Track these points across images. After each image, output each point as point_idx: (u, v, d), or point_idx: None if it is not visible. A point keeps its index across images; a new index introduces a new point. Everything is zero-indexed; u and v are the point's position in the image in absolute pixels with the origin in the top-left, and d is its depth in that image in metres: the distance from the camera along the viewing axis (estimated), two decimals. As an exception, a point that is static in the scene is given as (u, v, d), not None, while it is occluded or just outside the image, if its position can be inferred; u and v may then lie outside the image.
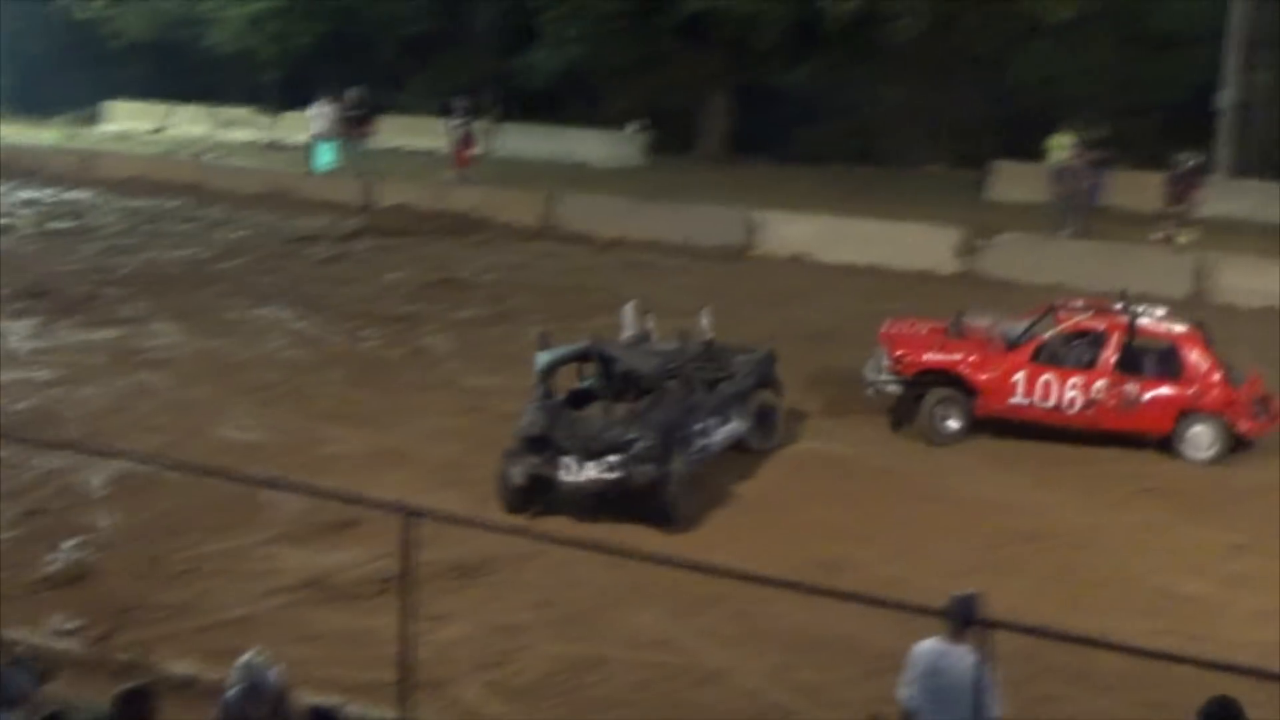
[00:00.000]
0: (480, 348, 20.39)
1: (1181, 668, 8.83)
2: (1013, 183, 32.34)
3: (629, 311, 16.97)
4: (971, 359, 16.94)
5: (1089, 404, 16.57)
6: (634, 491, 14.15)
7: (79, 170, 33.04)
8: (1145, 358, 16.81)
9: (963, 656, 8.21)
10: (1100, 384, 16.55)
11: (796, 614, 11.36)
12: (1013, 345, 17.04)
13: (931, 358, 17.08)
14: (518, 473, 14.31)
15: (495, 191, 30.02)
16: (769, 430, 16.51)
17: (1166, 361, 16.74)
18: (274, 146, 38.72)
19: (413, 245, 26.71)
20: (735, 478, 15.62)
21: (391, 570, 10.80)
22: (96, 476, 14.73)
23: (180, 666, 10.82)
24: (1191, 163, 27.25)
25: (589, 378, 15.63)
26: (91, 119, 41.53)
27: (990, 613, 8.28)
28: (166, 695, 8.93)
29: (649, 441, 14.20)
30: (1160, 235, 26.69)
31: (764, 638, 11.54)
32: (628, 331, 16.81)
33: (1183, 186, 26.89)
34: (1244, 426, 16.46)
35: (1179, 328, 17.03)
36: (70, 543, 13.16)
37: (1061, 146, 29.53)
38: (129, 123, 40.83)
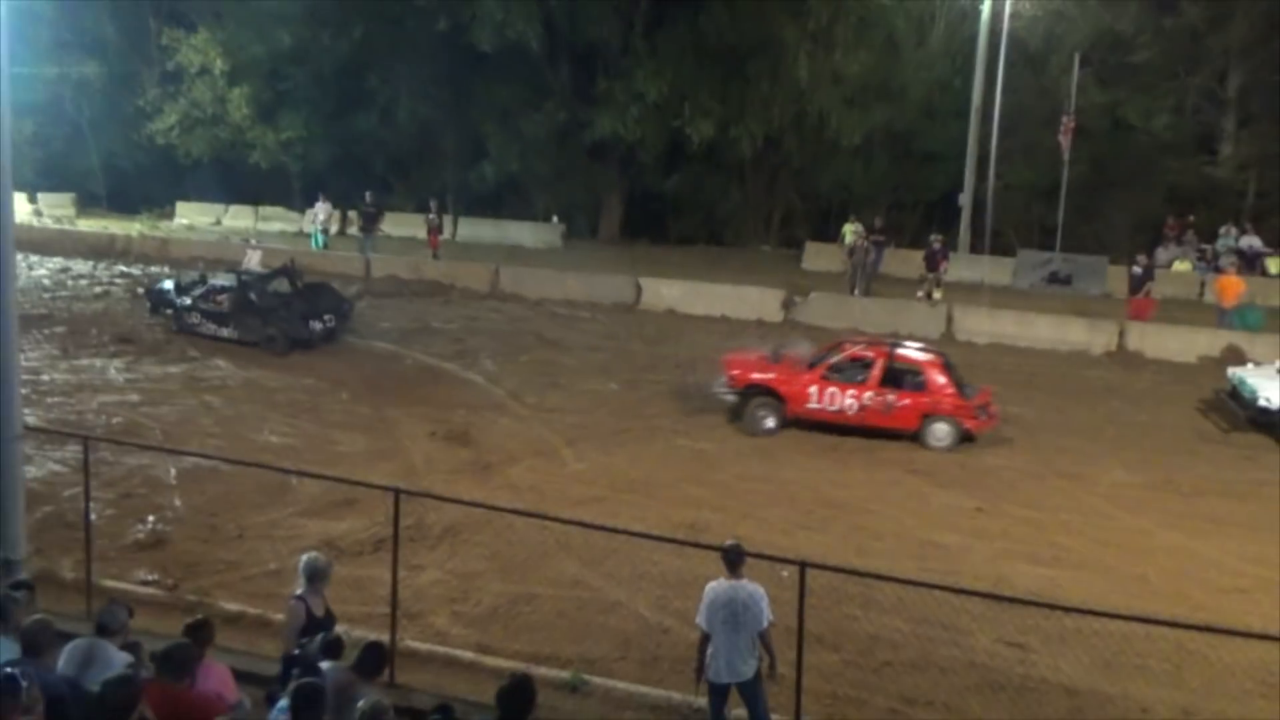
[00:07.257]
0: (444, 376, 20.21)
1: (941, 594, 9.02)
2: (819, 257, 32.54)
3: (254, 257, 23.35)
4: (780, 376, 17.22)
5: (861, 408, 16.76)
6: (340, 331, 21.61)
7: (158, 252, 32.33)
8: (903, 377, 17.03)
9: (742, 586, 8.47)
10: (869, 395, 16.76)
11: (672, 561, 11.38)
12: (811, 367, 17.28)
13: (754, 376, 17.37)
14: (315, 328, 21.32)
15: (457, 265, 29.75)
16: None
17: (916, 380, 16.97)
18: (299, 235, 38.19)
19: (399, 303, 26.47)
20: (626, 464, 15.61)
21: (383, 534, 10.76)
22: (170, 470, 14.45)
23: (232, 605, 10.69)
24: (940, 242, 27.62)
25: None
26: (167, 215, 40.64)
27: (800, 555, 8.32)
28: (221, 627, 8.79)
29: (348, 306, 22.45)
30: (921, 294, 27.01)
31: (649, 578, 11.51)
32: (249, 265, 22.92)
33: (935, 259, 27.27)
34: (970, 425, 16.75)
35: (925, 356, 17.33)
36: (151, 518, 12.96)
37: (852, 231, 29.84)
38: (195, 218, 40.01)
